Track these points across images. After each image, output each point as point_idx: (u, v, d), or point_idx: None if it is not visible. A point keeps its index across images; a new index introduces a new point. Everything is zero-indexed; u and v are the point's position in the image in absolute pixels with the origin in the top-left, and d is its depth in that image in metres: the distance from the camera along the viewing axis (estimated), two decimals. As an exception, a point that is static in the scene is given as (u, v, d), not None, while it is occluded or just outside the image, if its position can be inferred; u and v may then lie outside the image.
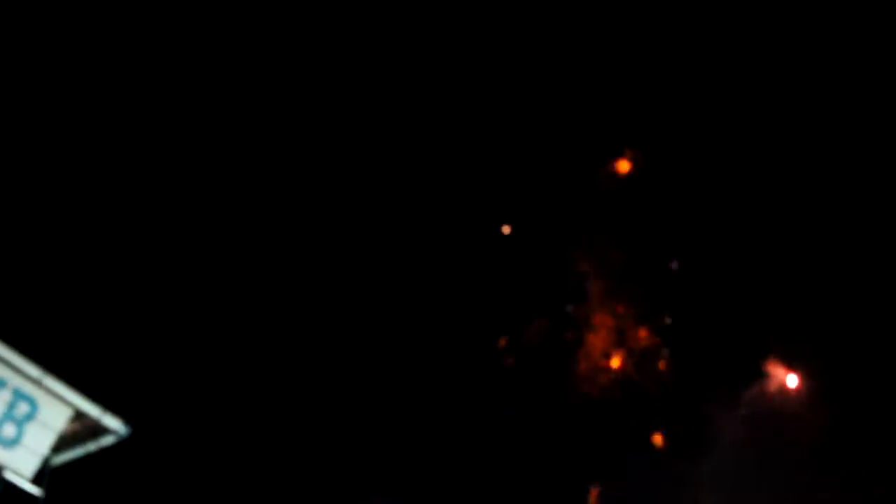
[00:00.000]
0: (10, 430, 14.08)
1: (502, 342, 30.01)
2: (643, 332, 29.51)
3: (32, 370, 14.08)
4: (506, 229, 29.93)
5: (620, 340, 29.36)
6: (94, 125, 25.84)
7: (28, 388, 14.17)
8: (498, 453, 29.16)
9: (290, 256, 28.01)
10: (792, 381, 28.26)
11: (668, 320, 29.46)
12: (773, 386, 28.28)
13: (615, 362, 29.22)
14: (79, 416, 14.58)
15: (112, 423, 14.74)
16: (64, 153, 25.56)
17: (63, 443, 14.76)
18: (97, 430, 14.83)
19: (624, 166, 30.03)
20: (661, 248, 29.93)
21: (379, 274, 28.85)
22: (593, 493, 28.74)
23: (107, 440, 15.01)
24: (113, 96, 26.16)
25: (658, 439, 29.02)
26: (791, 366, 28.51)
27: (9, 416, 14.07)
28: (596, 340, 29.41)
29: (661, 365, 29.30)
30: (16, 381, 14.11)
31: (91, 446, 15.04)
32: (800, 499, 27.10)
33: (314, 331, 27.92)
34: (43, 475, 14.27)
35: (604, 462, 29.22)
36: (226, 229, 27.53)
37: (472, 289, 29.78)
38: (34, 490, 14.14)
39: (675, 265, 29.57)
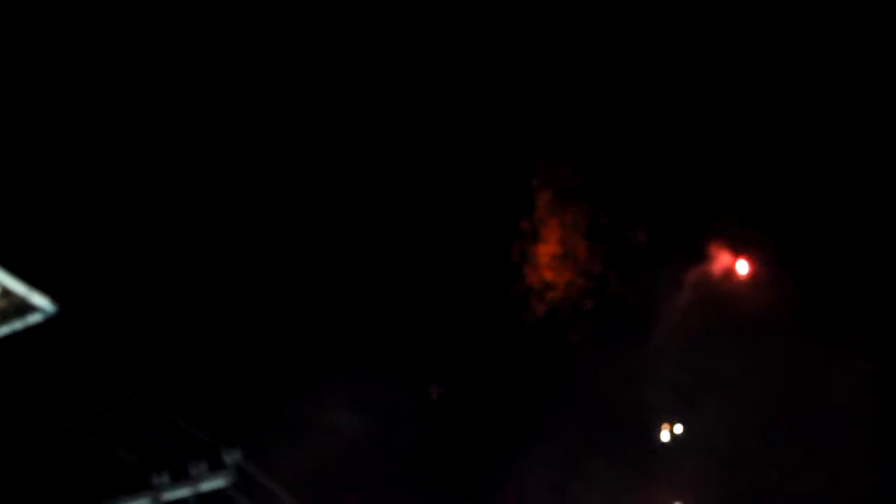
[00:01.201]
0: (-69, 307, 13.47)
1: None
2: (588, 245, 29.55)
3: (-47, 244, 13.40)
4: None
5: (567, 253, 29.34)
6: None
7: (-50, 264, 13.52)
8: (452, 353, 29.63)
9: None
10: (742, 266, 28.29)
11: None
12: (718, 270, 28.27)
13: (561, 275, 29.21)
14: (5, 293, 14.04)
15: (39, 300, 14.20)
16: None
17: (-12, 321, 14.20)
18: (24, 307, 14.28)
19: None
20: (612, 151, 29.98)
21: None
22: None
23: (34, 318, 14.47)
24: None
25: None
26: (737, 250, 28.55)
27: (-70, 293, 13.46)
28: (543, 252, 29.36)
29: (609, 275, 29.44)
30: (-63, 256, 13.47)
31: (17, 324, 14.52)
32: (751, 379, 27.50)
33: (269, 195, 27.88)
34: (-33, 354, 13.77)
35: (549, 370, 29.58)
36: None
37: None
38: (-43, 369, 13.62)
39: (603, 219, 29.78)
